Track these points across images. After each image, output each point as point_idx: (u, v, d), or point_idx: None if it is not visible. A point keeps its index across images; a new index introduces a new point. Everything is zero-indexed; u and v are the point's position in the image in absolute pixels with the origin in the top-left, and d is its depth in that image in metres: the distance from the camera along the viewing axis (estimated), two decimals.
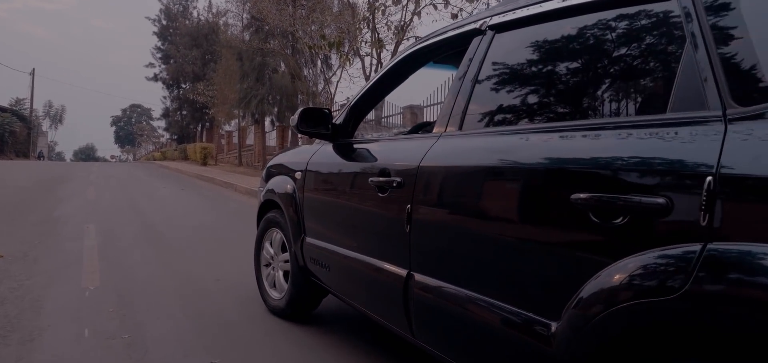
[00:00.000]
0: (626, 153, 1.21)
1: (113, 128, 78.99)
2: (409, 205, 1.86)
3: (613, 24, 1.46)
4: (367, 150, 2.35)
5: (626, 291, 1.09)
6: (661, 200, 1.08)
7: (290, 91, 18.40)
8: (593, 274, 1.18)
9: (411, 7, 9.02)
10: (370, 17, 9.31)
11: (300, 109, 2.58)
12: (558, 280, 1.30)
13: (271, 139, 22.52)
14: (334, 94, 14.00)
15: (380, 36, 9.66)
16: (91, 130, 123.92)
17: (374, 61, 10.47)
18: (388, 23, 9.34)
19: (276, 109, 19.82)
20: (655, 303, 1.03)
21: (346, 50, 10.73)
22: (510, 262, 1.47)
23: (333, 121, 2.60)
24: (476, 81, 1.83)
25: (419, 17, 8.48)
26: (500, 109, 1.77)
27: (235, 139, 26.44)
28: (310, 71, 17.34)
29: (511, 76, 1.77)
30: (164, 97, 39.07)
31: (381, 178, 2.04)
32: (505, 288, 1.48)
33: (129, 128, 75.29)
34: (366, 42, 10.45)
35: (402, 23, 9.04)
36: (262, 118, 20.82)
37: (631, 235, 1.13)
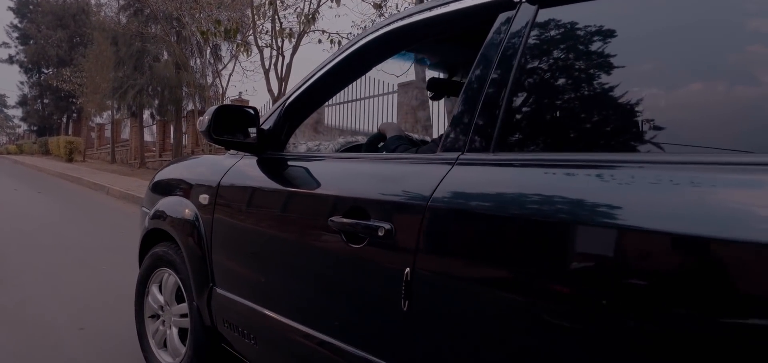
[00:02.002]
0: None
1: None
2: (408, 269, 1.17)
3: None
4: (318, 171, 1.61)
5: None
6: None
7: (174, 83, 16.71)
8: None
9: None
10: (272, 4, 8.37)
11: (213, 108, 1.76)
12: None
13: (151, 134, 20.57)
14: (226, 89, 12.77)
15: (283, 25, 8.76)
16: None
17: (274, 53, 9.55)
18: (298, 10, 8.46)
19: (157, 102, 17.99)
20: None
21: (240, 40, 9.67)
22: None
23: (260, 125, 1.82)
24: (514, 79, 1.18)
25: (338, 4, 7.71)
26: (566, 124, 1.13)
27: (108, 133, 23.97)
28: (198, 62, 15.84)
29: (579, 73, 1.14)
30: (22, 83, 34.76)
31: (351, 221, 1.32)
32: None
33: None
34: (266, 32, 9.49)
35: (310, 12, 8.20)
36: (141, 110, 18.82)
37: None
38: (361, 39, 1.64)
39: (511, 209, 1.03)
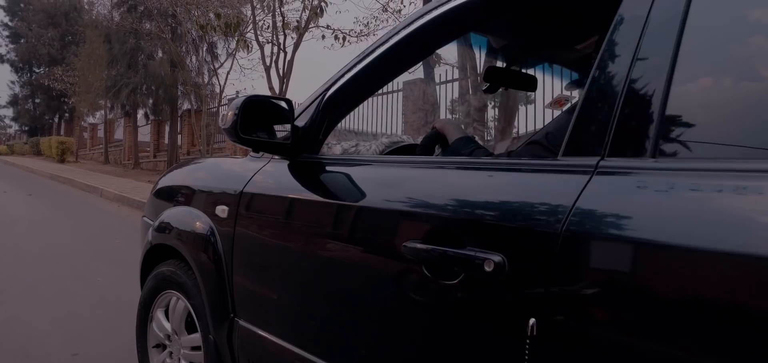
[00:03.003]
0: None
1: None
2: (533, 321, 0.83)
3: None
4: (375, 180, 1.26)
5: None
6: None
7: (169, 81, 16.27)
8: None
9: None
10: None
11: (240, 100, 1.41)
12: None
13: (145, 134, 20.13)
14: (224, 87, 12.38)
15: (286, 19, 8.39)
16: None
17: (275, 49, 9.19)
18: (305, 2, 8.04)
19: (151, 101, 17.55)
20: None
21: (243, 31, 9.28)
22: None
23: (294, 122, 1.47)
24: (684, 54, 0.84)
25: None
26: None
27: (101, 133, 23.51)
28: (194, 59, 15.43)
29: None
30: (12, 83, 34.12)
31: (437, 248, 0.98)
32: None
33: None
34: (267, 27, 9.12)
35: (317, 4, 7.81)
36: (135, 110, 18.39)
37: None
38: (426, 13, 1.29)
39: (700, 237, 0.70)
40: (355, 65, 1.42)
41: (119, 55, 16.65)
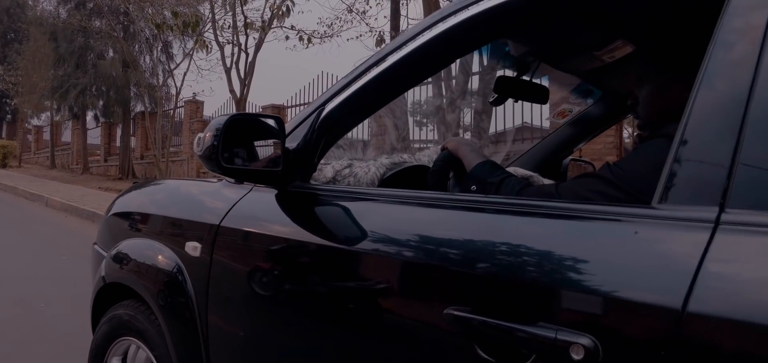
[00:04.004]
0: None
1: None
2: None
3: None
4: (400, 222, 1.02)
5: None
6: None
7: (121, 82, 15.51)
8: None
9: None
10: None
11: (221, 120, 1.15)
12: None
13: (95, 137, 19.21)
14: (180, 89, 11.83)
15: (247, 19, 8.00)
16: None
17: (236, 50, 8.79)
18: (270, 2, 7.65)
19: (101, 103, 16.71)
20: None
21: (202, 31, 8.84)
22: None
23: (285, 145, 1.21)
24: None
25: None
26: None
27: (47, 136, 22.33)
28: (148, 59, 14.75)
29: None
30: None
31: (496, 323, 0.76)
32: None
33: None
34: (228, 27, 8.71)
35: (282, 3, 7.45)
36: (83, 112, 17.47)
37: None
38: (457, 12, 1.05)
39: None
40: (361, 74, 1.17)
41: (66, 54, 15.75)
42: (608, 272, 0.70)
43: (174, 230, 1.52)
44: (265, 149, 1.29)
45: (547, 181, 1.51)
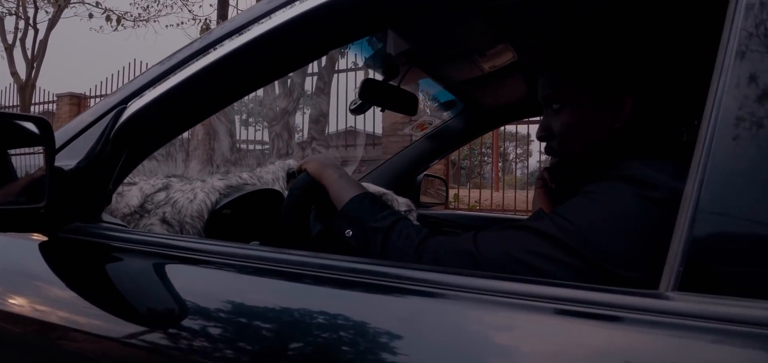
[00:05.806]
0: None
1: None
2: None
3: None
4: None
5: None
6: None
7: None
8: None
9: None
10: None
11: None
12: None
13: None
14: None
15: None
16: None
17: (22, 24, 7.26)
18: None
19: None
20: None
21: None
22: None
23: (53, 163, 0.75)
24: None
25: None
26: None
27: None
28: None
29: None
30: None
31: None
32: None
33: None
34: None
35: None
36: None
37: None
38: None
39: None
40: (189, 59, 0.77)
41: None
42: None
43: None
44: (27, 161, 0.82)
45: (401, 199, 1.25)
